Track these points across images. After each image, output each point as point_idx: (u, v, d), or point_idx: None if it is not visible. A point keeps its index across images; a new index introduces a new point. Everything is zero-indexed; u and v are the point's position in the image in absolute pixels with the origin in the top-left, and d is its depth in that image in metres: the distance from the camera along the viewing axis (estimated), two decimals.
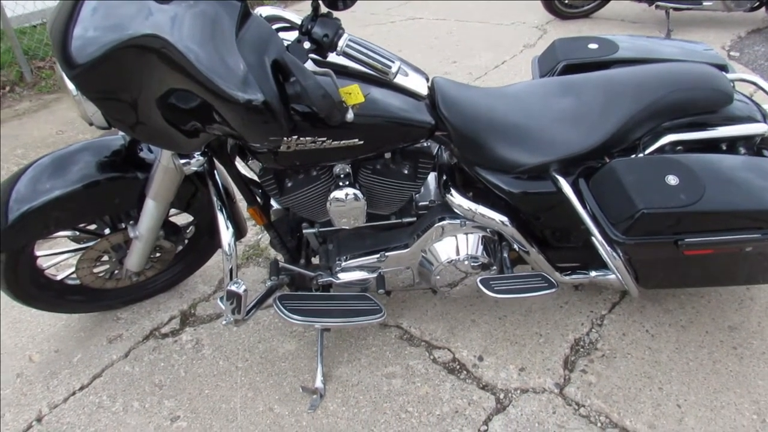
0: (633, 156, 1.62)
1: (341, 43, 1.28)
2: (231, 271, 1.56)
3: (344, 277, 1.84)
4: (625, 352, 1.87)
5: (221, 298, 1.61)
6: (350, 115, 1.31)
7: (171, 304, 2.20)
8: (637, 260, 1.62)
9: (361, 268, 1.84)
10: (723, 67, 1.83)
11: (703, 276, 1.72)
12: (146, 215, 1.72)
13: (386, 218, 1.84)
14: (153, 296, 2.20)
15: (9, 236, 1.65)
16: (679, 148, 1.64)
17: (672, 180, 1.46)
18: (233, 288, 1.55)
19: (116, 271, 1.96)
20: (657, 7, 4.46)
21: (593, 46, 1.90)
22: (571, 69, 1.85)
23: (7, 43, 4.38)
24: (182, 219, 2.01)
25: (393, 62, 1.29)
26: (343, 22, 1.32)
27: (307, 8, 1.32)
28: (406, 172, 1.69)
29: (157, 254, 2.00)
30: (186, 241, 2.07)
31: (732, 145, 1.67)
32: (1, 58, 4.45)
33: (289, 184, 1.68)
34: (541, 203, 1.66)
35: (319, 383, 1.81)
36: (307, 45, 1.28)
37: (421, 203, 1.84)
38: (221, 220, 1.55)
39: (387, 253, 1.81)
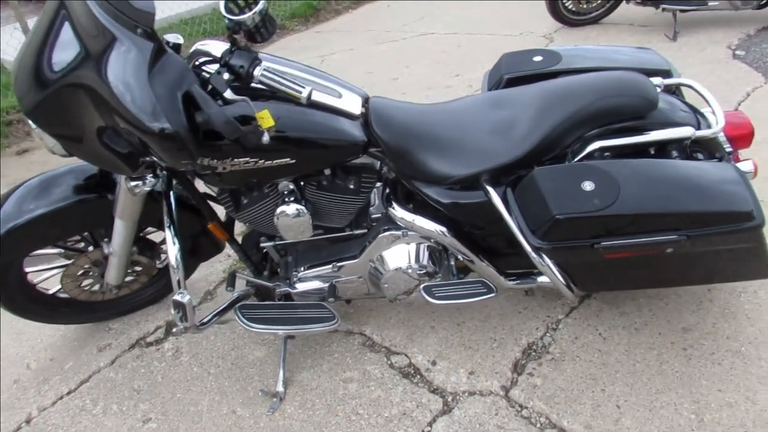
0: (558, 164, 1.67)
1: (257, 72, 1.41)
2: (178, 282, 1.70)
3: (300, 287, 1.95)
4: (575, 355, 1.91)
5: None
6: (265, 138, 1.44)
7: (159, 315, 2.36)
8: (566, 264, 1.67)
9: (316, 278, 1.95)
10: (666, 73, 1.87)
11: (641, 278, 1.76)
12: (116, 233, 1.89)
13: (341, 230, 1.95)
14: (142, 308, 2.37)
15: None
16: (607, 154, 1.69)
17: (588, 186, 1.52)
18: (178, 298, 1.69)
19: (98, 285, 2.14)
20: (663, 9, 4.43)
21: (537, 58, 1.96)
22: (514, 82, 1.92)
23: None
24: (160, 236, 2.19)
25: (304, 87, 1.41)
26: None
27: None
28: (351, 186, 1.80)
29: (137, 269, 2.17)
30: (164, 257, 2.23)
31: (663, 149, 1.71)
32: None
33: (244, 201, 1.81)
34: (474, 213, 1.73)
35: (280, 387, 1.93)
36: (226, 76, 1.42)
37: (374, 215, 1.94)
38: (168, 236, 1.69)
39: (339, 264, 1.92)
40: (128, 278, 2.17)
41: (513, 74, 1.92)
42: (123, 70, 1.29)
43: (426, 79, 4.42)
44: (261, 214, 1.82)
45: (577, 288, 1.77)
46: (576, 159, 1.69)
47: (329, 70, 5.22)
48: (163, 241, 2.18)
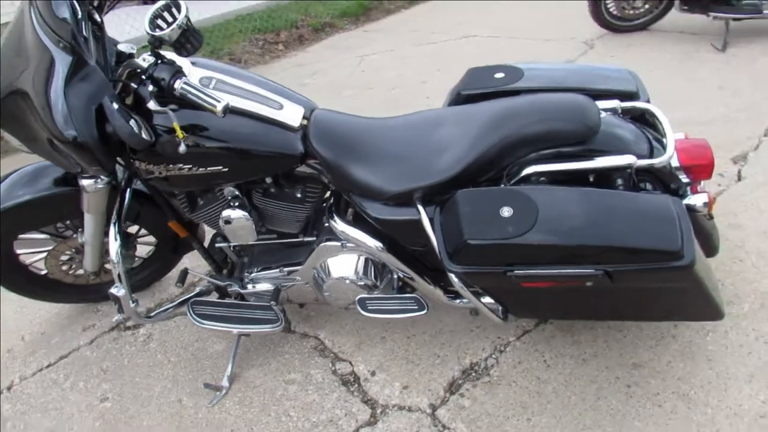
0: (485, 187, 1.64)
1: (177, 85, 1.48)
2: (118, 276, 1.82)
3: (251, 287, 2.03)
4: (512, 380, 1.88)
5: None
6: (181, 148, 1.51)
7: (143, 301, 2.51)
8: (488, 289, 1.64)
9: (266, 280, 2.02)
10: (630, 95, 1.79)
11: (572, 309, 1.70)
12: (86, 225, 2.03)
13: (296, 236, 2.00)
14: None
15: None
16: (542, 179, 1.64)
17: (506, 212, 1.49)
18: (113, 291, 1.80)
19: (82, 270, 2.30)
20: (715, 18, 4.16)
21: (499, 75, 1.92)
22: (470, 99, 1.90)
23: None
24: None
25: (219, 101, 1.46)
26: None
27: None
28: (297, 195, 1.85)
29: None
30: (137, 247, 2.37)
31: (608, 177, 1.64)
32: None
33: (199, 203, 1.91)
34: (406, 230, 1.73)
35: (225, 382, 2.01)
36: (150, 87, 1.50)
37: (325, 224, 1.98)
38: (111, 231, 1.81)
39: (286, 268, 1.98)
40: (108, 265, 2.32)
41: (468, 91, 1.90)
42: (45, 80, 1.40)
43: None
44: (212, 216, 1.90)
45: (510, 313, 1.74)
46: (511, 182, 1.66)
47: (367, 71, 5.27)
48: (138, 233, 2.32)
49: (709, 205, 1.65)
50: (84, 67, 1.44)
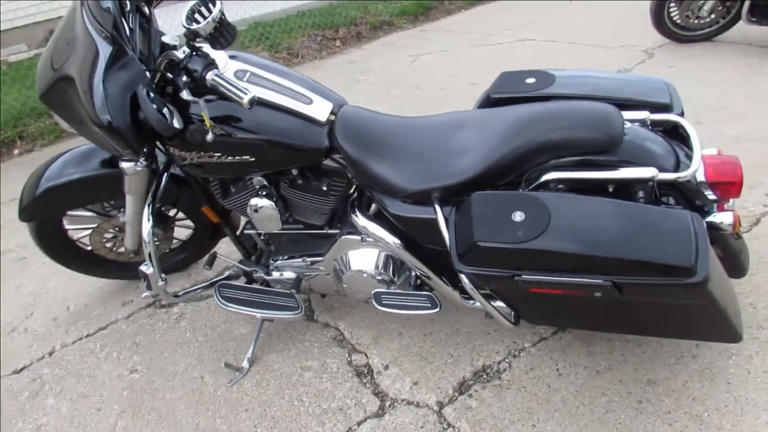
0: (502, 191, 1.65)
1: (208, 76, 1.56)
2: (149, 255, 1.92)
3: (275, 275, 2.10)
4: (522, 385, 1.87)
5: None
6: (209, 137, 1.59)
7: (179, 282, 2.64)
8: (498, 293, 1.65)
9: (289, 268, 2.09)
10: (664, 107, 1.76)
11: (582, 318, 1.69)
12: (127, 206, 2.16)
13: (320, 227, 2.06)
14: (167, 274, 2.65)
15: (35, 208, 2.18)
16: (561, 186, 1.64)
17: (518, 216, 1.49)
18: (143, 268, 1.91)
19: (123, 248, 2.44)
20: None
21: (530, 80, 1.92)
22: (499, 102, 1.90)
23: None
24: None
25: (246, 93, 1.53)
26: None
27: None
28: (322, 188, 1.91)
29: (155, 239, 2.45)
30: (175, 229, 2.49)
31: (628, 188, 1.62)
32: None
33: (231, 190, 2.00)
34: (422, 229, 1.76)
35: (245, 364, 2.10)
36: (184, 78, 1.59)
37: (349, 218, 2.03)
38: (145, 213, 1.92)
39: (309, 258, 2.04)
40: None
41: (498, 95, 1.90)
42: (89, 68, 1.51)
43: None
44: (241, 204, 1.99)
45: (522, 319, 1.74)
46: (530, 188, 1.66)
47: (418, 71, 5.30)
48: (176, 216, 2.44)
49: (734, 224, 1.60)
50: (123, 57, 1.54)
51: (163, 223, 2.40)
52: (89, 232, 2.40)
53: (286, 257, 2.10)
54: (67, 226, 2.39)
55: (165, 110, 1.57)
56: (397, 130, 1.82)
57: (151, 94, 1.52)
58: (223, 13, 1.59)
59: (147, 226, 1.91)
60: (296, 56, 5.67)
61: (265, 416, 1.92)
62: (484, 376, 1.93)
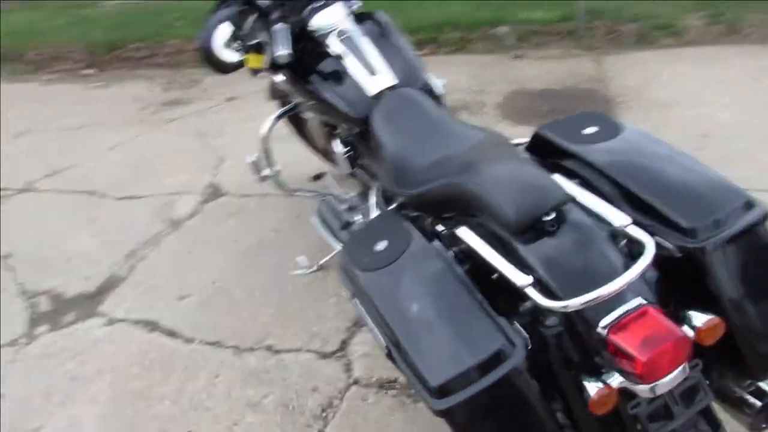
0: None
1: (277, 25, 1.87)
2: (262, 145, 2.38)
3: None
4: None
5: None
6: (260, 74, 1.98)
7: None
8: None
9: None
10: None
11: None
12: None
13: None
14: None
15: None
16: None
17: (380, 245, 1.35)
18: (246, 158, 2.35)
19: None
20: None
21: (591, 129, 1.47)
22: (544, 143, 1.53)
23: None
24: None
25: (281, 51, 1.81)
26: None
27: None
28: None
29: None
30: None
31: None
32: None
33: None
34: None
35: (315, 266, 2.45)
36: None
37: None
38: (268, 122, 2.36)
39: None
40: None
41: (543, 133, 1.54)
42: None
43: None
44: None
45: None
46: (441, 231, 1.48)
47: None
48: None
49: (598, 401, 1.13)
50: None
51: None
52: None
53: None
54: None
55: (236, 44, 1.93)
56: (417, 127, 1.67)
57: (228, 29, 1.89)
58: None
59: (265, 127, 2.34)
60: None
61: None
62: None
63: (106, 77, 5.53)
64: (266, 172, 2.40)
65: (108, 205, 3.39)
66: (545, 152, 1.50)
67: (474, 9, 5.35)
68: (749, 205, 1.22)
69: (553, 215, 1.19)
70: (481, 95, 4.16)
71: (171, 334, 2.40)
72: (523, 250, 1.22)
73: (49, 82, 5.54)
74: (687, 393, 1.22)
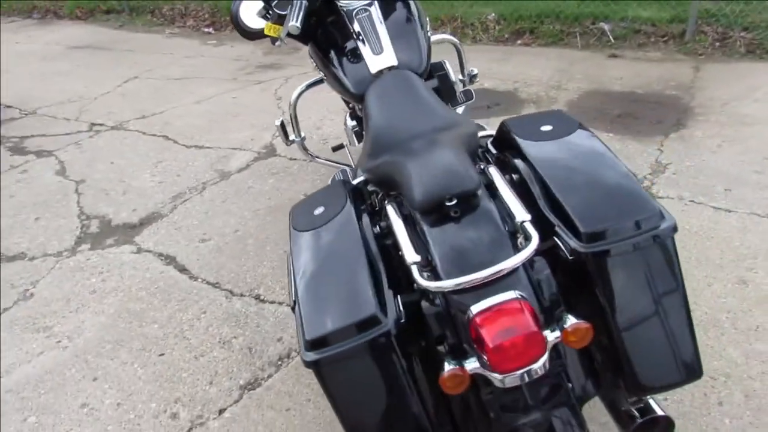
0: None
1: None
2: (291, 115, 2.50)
3: None
4: None
5: None
6: (277, 43, 1.97)
7: None
8: None
9: None
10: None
11: None
12: None
13: None
14: None
15: None
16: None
17: (319, 209, 1.41)
18: (276, 121, 2.48)
19: None
20: None
21: (546, 127, 1.46)
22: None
23: None
24: None
25: (292, 22, 1.81)
26: None
27: None
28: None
29: None
30: None
31: None
32: None
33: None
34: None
35: None
36: None
37: None
38: (298, 89, 2.46)
39: None
40: None
41: (505, 128, 1.50)
42: None
43: None
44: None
45: None
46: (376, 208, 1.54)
47: None
48: None
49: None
50: None
51: None
52: None
53: None
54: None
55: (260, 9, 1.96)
56: (406, 108, 1.62)
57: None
58: None
59: (294, 95, 2.47)
60: None
61: None
62: None
63: (222, 36, 5.99)
64: (292, 136, 2.54)
65: (176, 150, 3.74)
66: (504, 144, 1.50)
67: (581, 1, 5.10)
68: (657, 218, 1.17)
69: (455, 201, 1.22)
70: (557, 91, 4.02)
71: (182, 269, 2.65)
72: (426, 231, 1.26)
73: (172, 35, 6.12)
74: (548, 392, 1.23)
